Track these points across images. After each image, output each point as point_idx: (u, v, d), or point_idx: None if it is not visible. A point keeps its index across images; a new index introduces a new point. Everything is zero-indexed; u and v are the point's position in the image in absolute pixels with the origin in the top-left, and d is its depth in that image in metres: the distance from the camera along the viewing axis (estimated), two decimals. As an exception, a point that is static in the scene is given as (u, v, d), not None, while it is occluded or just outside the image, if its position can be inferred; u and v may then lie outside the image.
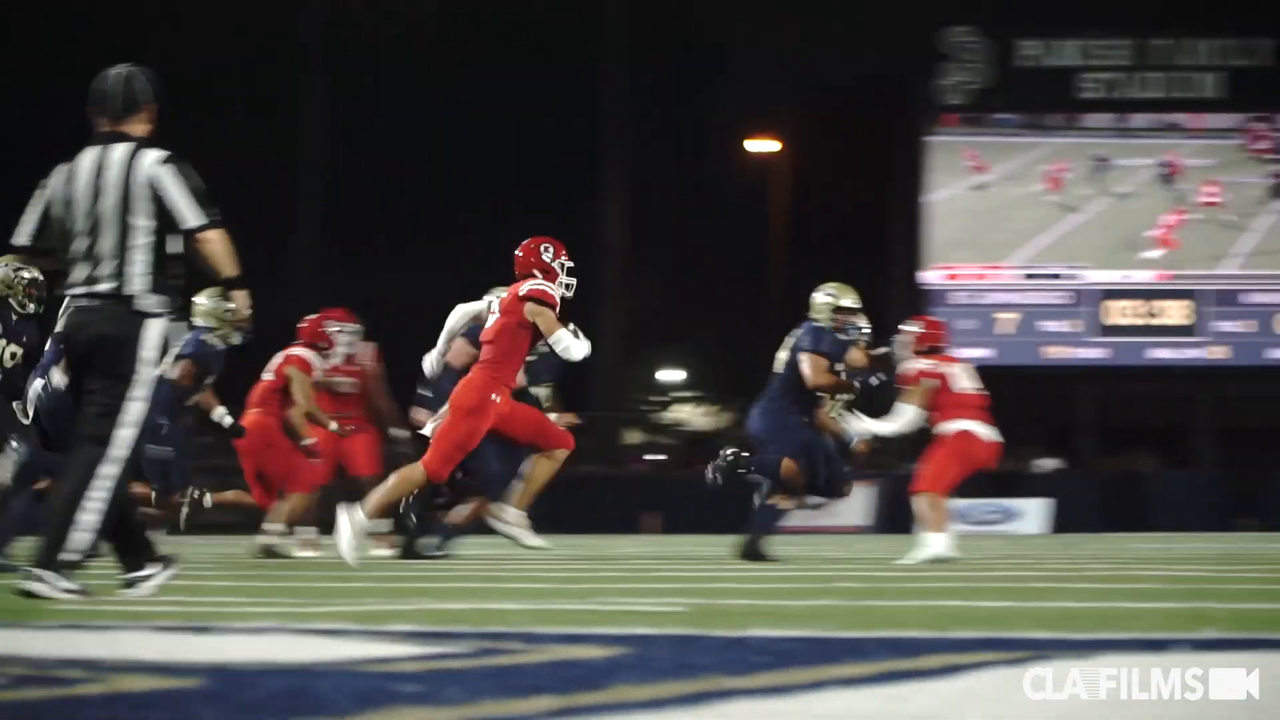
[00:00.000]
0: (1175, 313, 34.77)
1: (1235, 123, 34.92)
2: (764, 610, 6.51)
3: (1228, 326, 34.65)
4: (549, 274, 10.93)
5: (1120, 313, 34.88)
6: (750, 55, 38.35)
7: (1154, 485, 32.67)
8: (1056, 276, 34.94)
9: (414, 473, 10.84)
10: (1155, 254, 34.91)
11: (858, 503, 28.19)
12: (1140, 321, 34.80)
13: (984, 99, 35.07)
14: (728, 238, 39.60)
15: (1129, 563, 12.20)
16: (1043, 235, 35.27)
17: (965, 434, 12.55)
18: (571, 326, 10.77)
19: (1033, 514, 30.41)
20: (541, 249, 11.01)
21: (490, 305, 11.08)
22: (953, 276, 35.15)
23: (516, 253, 11.03)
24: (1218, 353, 34.70)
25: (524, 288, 10.81)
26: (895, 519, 26.45)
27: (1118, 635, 5.22)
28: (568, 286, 11.04)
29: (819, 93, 38.09)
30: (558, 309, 10.82)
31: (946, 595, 7.50)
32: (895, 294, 34.52)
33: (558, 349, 10.78)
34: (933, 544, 12.22)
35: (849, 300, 12.69)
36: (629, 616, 6.13)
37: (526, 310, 10.75)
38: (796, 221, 37.31)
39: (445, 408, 11.04)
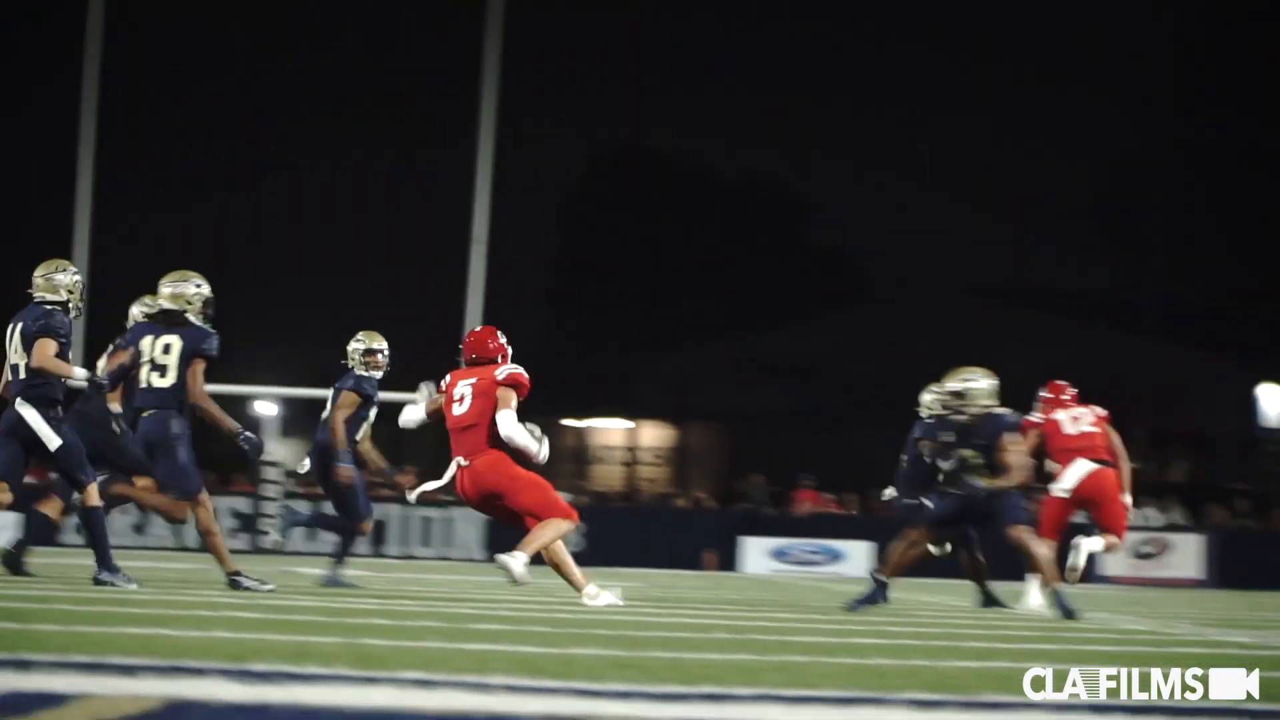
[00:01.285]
0: None
1: None
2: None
3: None
4: (505, 357, 11.91)
5: None
6: None
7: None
8: None
9: (557, 527, 11.55)
10: None
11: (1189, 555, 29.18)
12: None
13: None
14: None
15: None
16: None
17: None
18: (529, 426, 11.66)
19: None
20: (498, 334, 11.97)
21: (440, 393, 11.93)
22: None
23: (468, 338, 12.05)
24: None
25: (501, 372, 11.69)
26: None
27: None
28: None
29: None
30: (527, 392, 11.72)
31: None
32: None
33: (498, 427, 11.56)
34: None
35: None
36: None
37: (500, 392, 11.63)
38: None
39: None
